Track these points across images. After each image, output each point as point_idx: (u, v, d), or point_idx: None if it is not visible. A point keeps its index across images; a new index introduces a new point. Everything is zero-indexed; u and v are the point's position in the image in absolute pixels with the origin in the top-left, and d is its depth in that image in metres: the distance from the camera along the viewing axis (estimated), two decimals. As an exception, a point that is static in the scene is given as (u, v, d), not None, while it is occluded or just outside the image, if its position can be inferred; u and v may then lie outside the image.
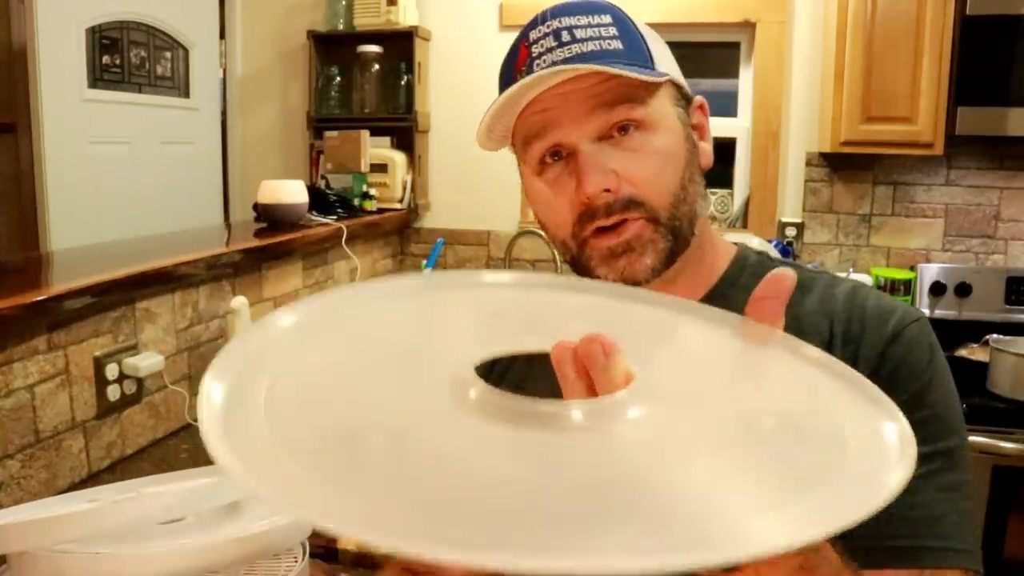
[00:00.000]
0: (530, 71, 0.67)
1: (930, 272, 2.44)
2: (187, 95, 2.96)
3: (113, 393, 1.40)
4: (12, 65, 2.32)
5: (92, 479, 1.35)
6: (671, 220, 0.68)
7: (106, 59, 2.60)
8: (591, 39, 0.66)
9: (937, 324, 2.59)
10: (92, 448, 1.37)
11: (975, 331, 2.28)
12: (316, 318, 0.44)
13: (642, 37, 0.69)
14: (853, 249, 2.56)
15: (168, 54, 2.88)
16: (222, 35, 3.02)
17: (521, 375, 0.84)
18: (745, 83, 2.67)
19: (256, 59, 2.94)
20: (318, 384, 0.39)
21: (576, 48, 0.66)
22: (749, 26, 2.56)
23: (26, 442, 1.23)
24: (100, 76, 2.58)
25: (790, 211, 2.59)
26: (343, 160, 2.50)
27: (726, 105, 2.73)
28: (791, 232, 2.56)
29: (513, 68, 0.70)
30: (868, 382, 0.41)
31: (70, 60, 2.43)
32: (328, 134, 2.54)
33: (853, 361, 0.65)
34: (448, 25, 2.72)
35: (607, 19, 0.68)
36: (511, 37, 0.72)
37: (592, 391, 0.41)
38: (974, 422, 1.93)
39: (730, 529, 0.31)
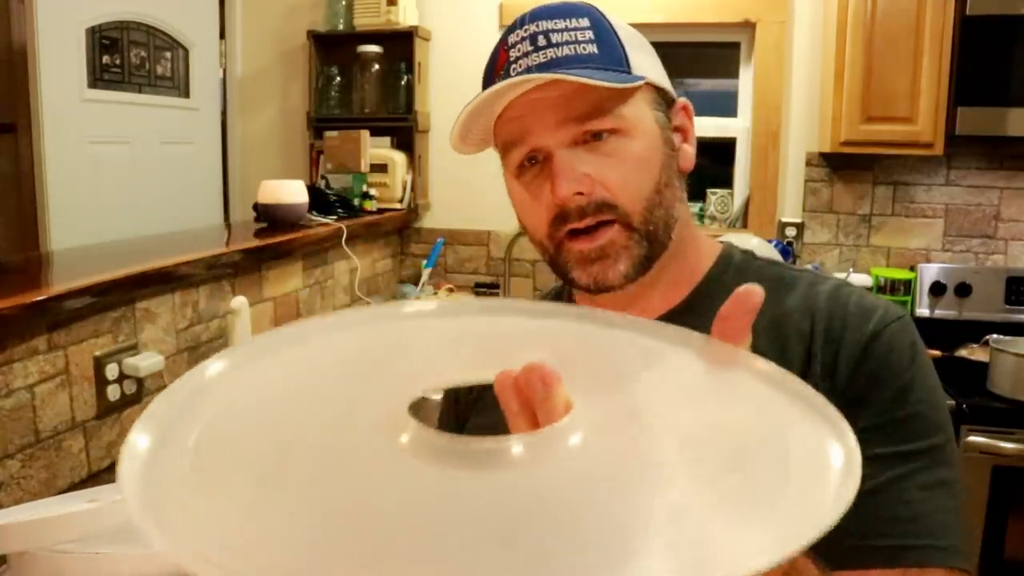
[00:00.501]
0: (507, 75, 0.67)
1: (930, 272, 2.44)
2: (187, 95, 2.96)
3: (113, 393, 1.40)
4: (12, 65, 2.32)
5: (92, 479, 1.34)
6: (645, 225, 0.68)
7: (106, 59, 2.60)
8: (566, 43, 0.67)
9: (937, 324, 2.58)
10: (92, 448, 1.37)
11: (975, 331, 2.28)
12: (255, 358, 0.42)
13: (619, 40, 0.69)
14: (853, 249, 2.56)
15: (168, 54, 2.88)
16: (222, 35, 3.02)
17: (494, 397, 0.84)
18: (745, 83, 2.67)
19: (256, 59, 2.94)
20: (249, 427, 0.38)
21: (551, 53, 0.66)
22: (749, 26, 2.56)
23: (26, 442, 1.23)
24: (100, 76, 2.58)
25: (790, 211, 2.59)
26: (343, 160, 2.50)
27: (726, 105, 2.73)
28: (791, 232, 2.56)
29: (493, 72, 0.70)
30: (823, 400, 0.39)
31: (70, 60, 2.43)
32: (328, 134, 2.54)
33: (834, 359, 0.66)
34: (448, 25, 2.72)
35: (584, 22, 0.68)
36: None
37: (535, 422, 0.40)
38: (974, 422, 1.93)
39: (675, 558, 0.30)
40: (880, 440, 0.63)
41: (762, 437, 0.39)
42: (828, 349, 0.67)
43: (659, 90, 0.71)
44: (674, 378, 0.45)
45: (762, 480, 0.35)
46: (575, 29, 0.67)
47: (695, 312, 0.71)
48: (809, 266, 2.50)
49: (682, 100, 0.73)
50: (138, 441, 0.34)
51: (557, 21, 0.68)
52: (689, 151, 0.73)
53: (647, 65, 0.70)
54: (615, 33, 0.69)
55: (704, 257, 0.76)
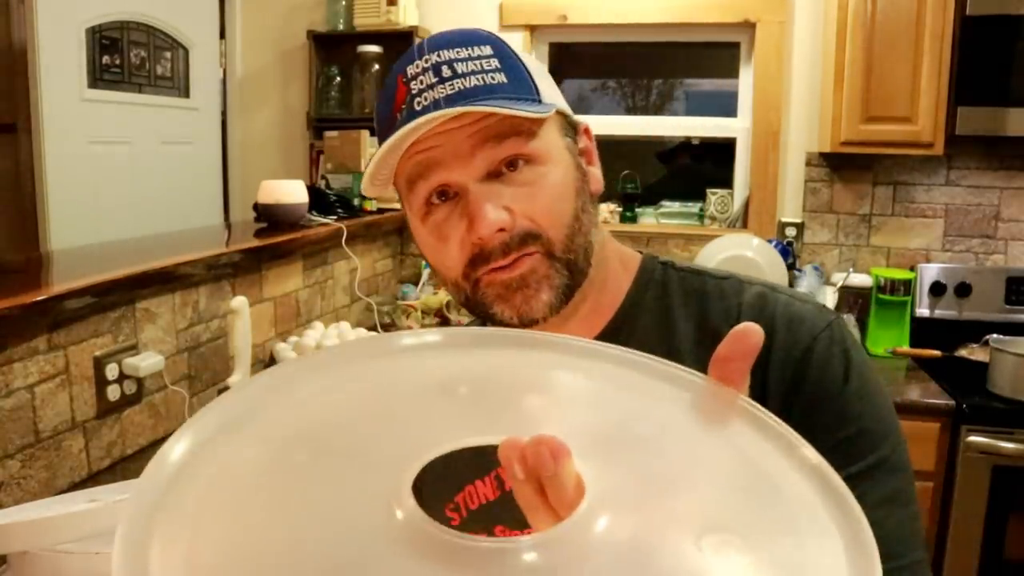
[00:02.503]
0: (411, 110, 0.63)
1: (930, 272, 2.44)
2: (187, 95, 2.96)
3: (113, 393, 1.40)
4: (12, 65, 2.31)
5: (92, 479, 1.34)
6: (566, 253, 0.65)
7: (106, 59, 2.60)
8: (473, 73, 0.63)
9: (937, 324, 2.57)
10: (92, 448, 1.37)
11: (975, 331, 2.28)
12: (230, 432, 0.37)
13: (526, 68, 0.66)
14: (853, 249, 2.56)
15: (168, 54, 2.88)
16: (222, 35, 3.02)
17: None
18: (745, 83, 2.67)
19: (256, 59, 2.94)
20: (232, 504, 0.34)
21: (458, 84, 0.62)
22: (749, 26, 2.56)
23: (26, 442, 1.23)
24: (100, 76, 2.58)
25: (790, 211, 2.59)
26: (343, 160, 2.50)
27: (726, 105, 2.73)
28: (791, 232, 2.56)
29: (392, 108, 0.65)
30: (831, 471, 0.37)
31: (70, 60, 2.43)
32: (328, 134, 2.54)
33: (762, 384, 0.63)
34: (448, 25, 2.68)
35: (487, 50, 0.65)
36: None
37: (542, 492, 0.38)
38: (974, 422, 1.93)
39: None
40: None
41: (774, 504, 0.36)
42: (755, 373, 0.64)
43: (565, 116, 0.70)
44: (681, 432, 0.42)
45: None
46: (479, 58, 0.64)
47: (620, 338, 0.66)
48: (809, 267, 2.50)
49: (583, 123, 0.72)
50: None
51: (459, 50, 0.64)
52: (596, 173, 0.71)
53: (552, 92, 0.69)
54: (519, 61, 0.66)
55: (624, 277, 0.73)
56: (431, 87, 0.63)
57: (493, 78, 0.63)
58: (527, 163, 0.64)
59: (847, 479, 0.58)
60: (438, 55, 0.64)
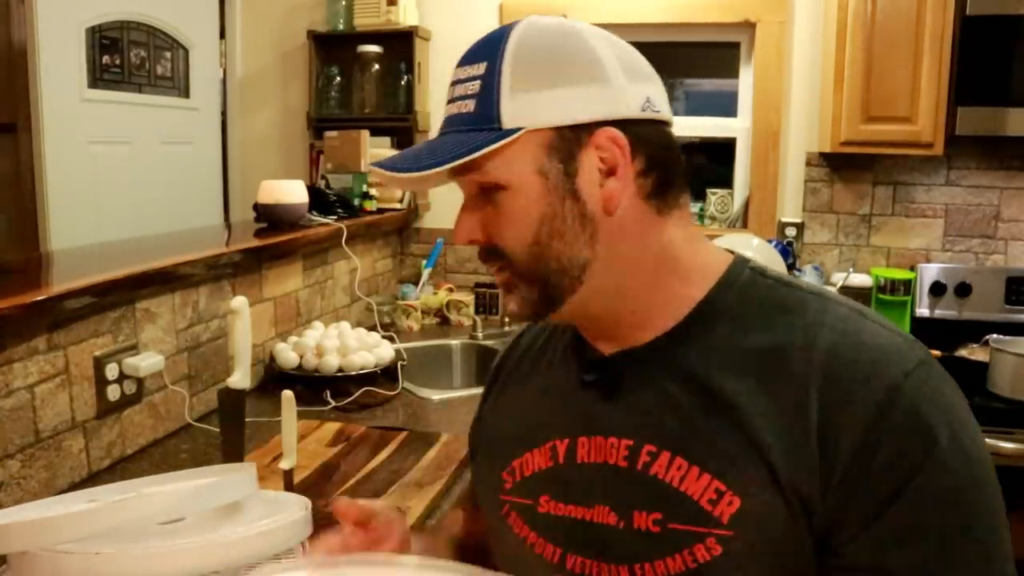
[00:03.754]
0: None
1: (930, 272, 2.44)
2: (187, 95, 2.96)
3: (113, 393, 1.40)
4: (12, 65, 2.31)
5: (92, 479, 1.35)
6: (530, 272, 0.68)
7: (106, 59, 2.60)
8: (457, 99, 0.69)
9: (937, 324, 2.58)
10: (92, 448, 1.37)
11: (975, 331, 2.28)
12: None
13: (498, 89, 0.66)
14: (853, 249, 2.56)
15: (168, 54, 2.88)
16: (222, 35, 3.02)
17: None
18: (745, 83, 2.67)
19: (256, 59, 2.94)
20: None
21: (451, 109, 0.70)
22: (749, 26, 2.56)
23: (26, 442, 1.23)
24: (100, 76, 2.58)
25: (790, 211, 2.59)
26: (343, 160, 2.50)
27: (726, 105, 2.73)
28: (791, 232, 2.56)
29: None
30: None
31: (70, 60, 2.43)
32: (328, 134, 2.54)
33: (835, 429, 0.60)
34: (448, 25, 2.72)
35: (480, 69, 0.67)
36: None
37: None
38: (974, 422, 1.94)
39: None
40: (900, 550, 0.58)
41: None
42: (825, 412, 0.60)
43: (562, 131, 0.66)
44: None
45: None
46: (468, 80, 0.68)
47: (686, 342, 0.68)
48: (809, 267, 2.50)
49: (607, 131, 0.66)
50: None
51: (464, 68, 0.69)
52: (610, 189, 0.67)
53: (544, 104, 0.66)
54: (499, 79, 0.66)
55: (701, 280, 0.71)
56: (447, 104, 0.72)
57: (465, 106, 0.68)
58: (496, 188, 0.68)
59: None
60: (456, 72, 0.70)
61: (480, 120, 0.67)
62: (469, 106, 0.67)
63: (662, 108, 0.70)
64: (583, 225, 0.67)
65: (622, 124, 0.67)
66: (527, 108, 0.66)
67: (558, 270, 0.68)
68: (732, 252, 0.74)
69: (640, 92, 0.68)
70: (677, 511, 0.64)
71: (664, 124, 0.71)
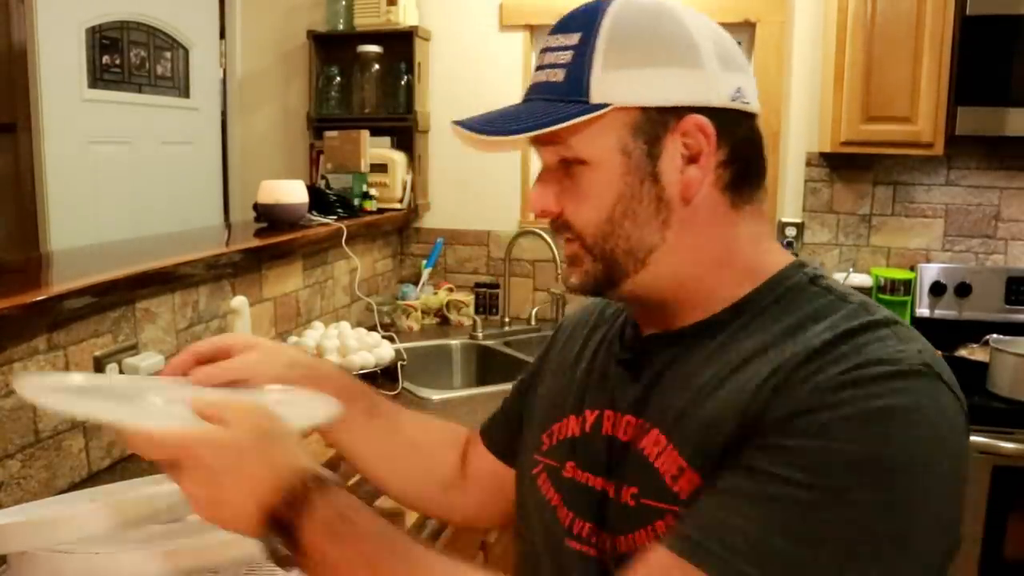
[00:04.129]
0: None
1: (930, 272, 2.44)
2: (187, 95, 2.96)
3: (113, 393, 1.40)
4: (12, 65, 2.31)
5: (92, 479, 1.35)
6: (597, 248, 0.69)
7: (106, 59, 2.60)
8: (548, 67, 0.69)
9: (937, 324, 2.58)
10: (92, 448, 1.37)
11: (975, 331, 2.28)
12: None
13: (591, 61, 0.66)
14: (853, 249, 2.56)
15: (168, 54, 2.88)
16: (222, 35, 3.02)
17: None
18: (745, 83, 2.67)
19: (256, 59, 2.94)
20: None
21: (538, 76, 0.70)
22: (749, 26, 2.56)
23: (26, 442, 1.23)
24: (100, 76, 2.58)
25: (790, 211, 2.59)
26: (343, 160, 2.50)
27: (726, 105, 2.73)
28: (791, 232, 2.56)
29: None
30: None
31: (70, 60, 2.43)
32: (328, 134, 2.54)
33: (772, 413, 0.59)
34: (448, 25, 2.72)
35: (575, 39, 0.67)
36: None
37: None
38: (974, 422, 1.91)
39: None
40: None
41: None
42: (780, 390, 0.60)
43: (649, 112, 0.66)
44: None
45: None
46: (560, 49, 0.68)
47: (715, 333, 0.69)
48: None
49: (695, 119, 0.66)
50: None
51: (557, 37, 0.69)
52: (691, 175, 0.67)
53: (635, 83, 0.65)
54: (592, 52, 0.66)
55: (753, 278, 0.70)
56: (535, 70, 0.72)
57: (555, 75, 0.68)
58: (576, 162, 0.68)
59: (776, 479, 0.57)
60: (546, 40, 0.70)
61: (569, 91, 0.67)
62: (559, 75, 0.67)
63: (751, 100, 0.70)
64: (658, 209, 0.68)
65: (710, 112, 0.67)
66: (617, 85, 0.66)
67: (626, 250, 0.69)
68: (797, 256, 0.74)
69: (732, 81, 0.68)
70: (649, 486, 0.66)
71: (752, 117, 0.71)
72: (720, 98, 0.67)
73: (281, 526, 0.59)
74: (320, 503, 0.60)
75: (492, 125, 0.68)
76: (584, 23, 0.67)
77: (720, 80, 0.67)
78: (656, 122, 0.66)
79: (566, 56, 0.67)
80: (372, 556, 0.60)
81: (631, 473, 0.68)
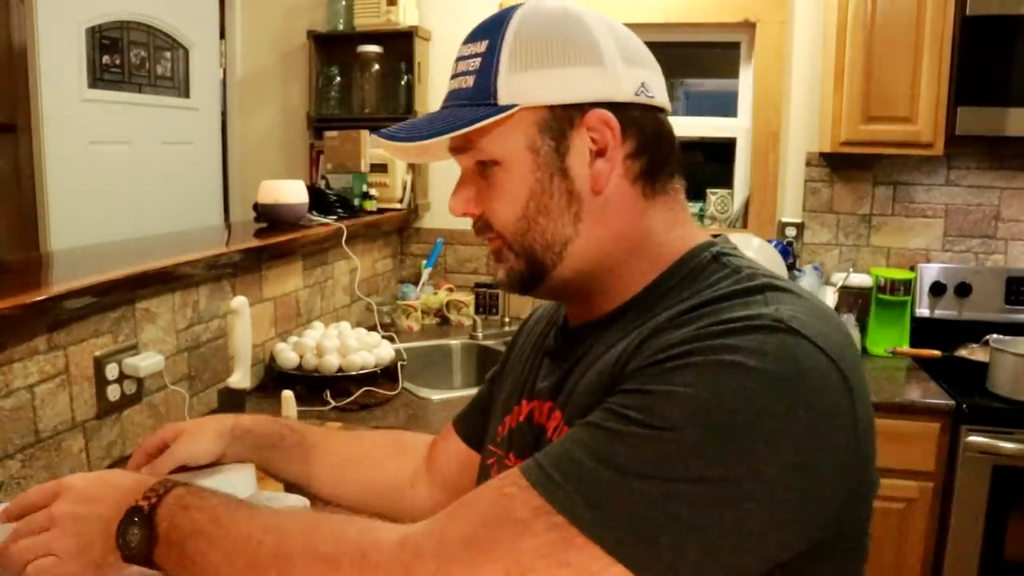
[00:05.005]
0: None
1: (930, 272, 2.44)
2: (187, 95, 2.96)
3: (113, 393, 1.40)
4: (12, 65, 2.31)
5: (92, 479, 1.34)
6: (517, 244, 0.72)
7: (106, 59, 2.60)
8: (459, 75, 0.72)
9: (937, 324, 2.58)
10: (92, 448, 1.37)
11: (975, 331, 2.28)
12: None
13: (497, 66, 0.69)
14: (853, 249, 2.56)
15: (168, 54, 2.88)
16: (222, 35, 3.02)
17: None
18: (745, 83, 2.67)
19: (256, 59, 2.94)
20: None
21: (452, 84, 0.73)
22: (749, 26, 2.56)
23: (26, 442, 1.23)
24: (100, 76, 2.58)
25: (790, 211, 2.59)
26: (343, 160, 2.50)
27: (726, 105, 2.73)
28: (791, 232, 2.56)
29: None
30: None
31: (70, 60, 2.43)
32: (328, 134, 2.54)
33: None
34: (448, 25, 2.72)
35: (482, 46, 0.70)
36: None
37: None
38: (974, 422, 1.93)
39: None
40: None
41: None
42: (640, 348, 0.63)
43: (554, 110, 0.68)
44: None
45: None
46: (470, 57, 0.71)
47: (624, 318, 0.70)
48: (809, 267, 2.49)
49: (598, 113, 0.68)
50: None
51: (468, 46, 0.72)
52: (599, 169, 0.69)
53: (540, 83, 0.68)
54: (497, 57, 0.69)
55: (664, 262, 0.72)
56: (449, 79, 0.75)
57: (466, 82, 0.71)
58: (491, 164, 0.71)
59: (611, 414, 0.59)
60: (459, 50, 0.74)
61: (477, 95, 0.70)
62: (468, 82, 0.71)
63: (657, 94, 0.72)
64: (569, 202, 0.70)
65: (615, 107, 0.69)
66: (522, 86, 0.69)
67: (543, 244, 0.71)
68: (714, 238, 0.75)
69: (635, 77, 0.70)
70: None
71: (658, 110, 0.73)
72: (623, 93, 0.69)
73: (139, 513, 0.67)
74: (177, 488, 0.69)
75: (406, 132, 0.72)
76: (491, 31, 0.71)
77: (623, 76, 0.69)
78: (562, 119, 0.69)
79: (475, 63, 0.70)
80: (223, 515, 0.66)
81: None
